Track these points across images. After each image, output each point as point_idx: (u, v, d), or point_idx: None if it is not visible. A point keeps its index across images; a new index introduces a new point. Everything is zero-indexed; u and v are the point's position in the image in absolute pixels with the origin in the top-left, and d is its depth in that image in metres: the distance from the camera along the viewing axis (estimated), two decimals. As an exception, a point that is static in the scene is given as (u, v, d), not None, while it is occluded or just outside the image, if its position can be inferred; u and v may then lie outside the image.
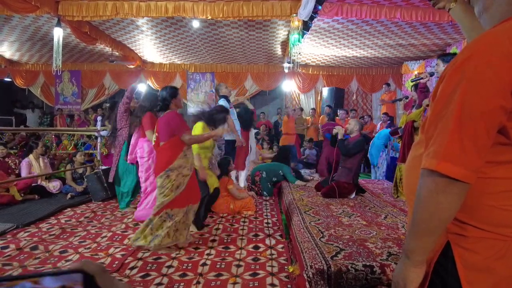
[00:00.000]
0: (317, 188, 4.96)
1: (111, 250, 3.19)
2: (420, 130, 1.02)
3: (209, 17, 6.17)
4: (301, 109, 10.01)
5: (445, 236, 0.89)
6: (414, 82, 4.57)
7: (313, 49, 8.79)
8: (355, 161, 4.47)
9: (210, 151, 3.94)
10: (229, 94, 5.08)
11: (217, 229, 3.87)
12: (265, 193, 5.47)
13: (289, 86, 11.58)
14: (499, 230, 0.86)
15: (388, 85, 9.92)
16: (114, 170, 4.57)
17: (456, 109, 0.82)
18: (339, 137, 4.57)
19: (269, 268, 2.82)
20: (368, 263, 2.42)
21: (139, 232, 3.13)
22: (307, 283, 2.34)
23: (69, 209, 4.69)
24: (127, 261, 2.95)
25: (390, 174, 6.26)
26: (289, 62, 8.56)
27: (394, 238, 3.00)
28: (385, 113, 8.62)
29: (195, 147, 3.59)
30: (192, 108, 9.68)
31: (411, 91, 4.77)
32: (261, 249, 3.24)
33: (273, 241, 3.46)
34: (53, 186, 5.51)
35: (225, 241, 3.49)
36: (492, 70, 0.80)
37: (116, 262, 2.91)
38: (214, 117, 4.04)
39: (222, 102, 4.91)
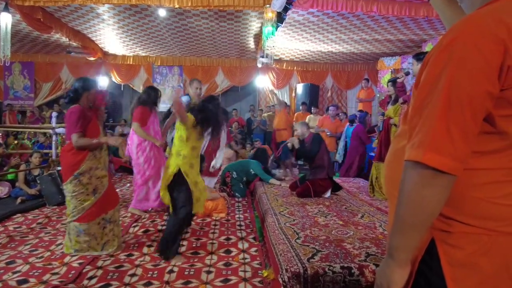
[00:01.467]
0: (292, 188, 4.94)
1: (66, 259, 3.06)
2: (402, 121, 1.02)
3: (177, 6, 6.05)
4: (286, 104, 9.84)
5: (429, 233, 0.89)
6: (390, 80, 4.80)
7: (288, 43, 8.82)
8: (322, 156, 4.48)
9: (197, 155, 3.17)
10: (198, 94, 4.83)
11: (186, 232, 3.80)
12: (237, 194, 5.40)
13: (262, 82, 11.52)
14: (484, 223, 0.86)
15: (368, 80, 10.08)
16: None
17: (443, 94, 0.81)
18: (296, 146, 4.58)
19: (241, 274, 2.79)
20: (346, 265, 2.44)
21: (66, 239, 3.08)
22: (282, 287, 2.32)
23: (19, 214, 4.48)
24: (85, 270, 2.85)
25: (367, 174, 6.25)
26: (262, 56, 8.47)
27: (372, 238, 3.03)
28: (360, 110, 8.78)
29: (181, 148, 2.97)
30: (165, 103, 9.27)
31: (387, 87, 4.88)
32: (233, 254, 3.21)
33: (246, 245, 3.44)
34: (0, 190, 5.27)
35: (194, 245, 3.42)
36: (480, 53, 0.79)
37: (73, 272, 2.80)
38: (211, 118, 3.04)
39: (184, 99, 4.80)
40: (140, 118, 4.16)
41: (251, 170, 5.46)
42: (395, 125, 4.44)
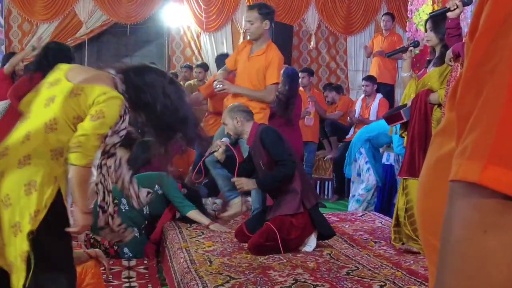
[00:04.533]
0: (240, 236, 3.74)
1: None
2: (448, 101, 0.79)
3: None
4: (205, 67, 6.97)
5: None
6: (433, 15, 3.91)
7: None
8: (292, 165, 3.54)
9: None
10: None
11: None
12: (126, 251, 4.00)
13: (177, 17, 7.96)
14: None
15: (391, 17, 7.26)
16: None
17: None
18: (219, 157, 3.76)
19: None
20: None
21: None
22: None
23: None
24: None
25: (384, 201, 5.44)
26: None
27: None
28: (370, 77, 6.48)
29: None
30: None
31: (426, 31, 3.89)
32: None
33: None
34: None
35: None
36: None
37: None
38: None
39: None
40: None
41: (158, 188, 4.17)
42: (439, 106, 3.57)
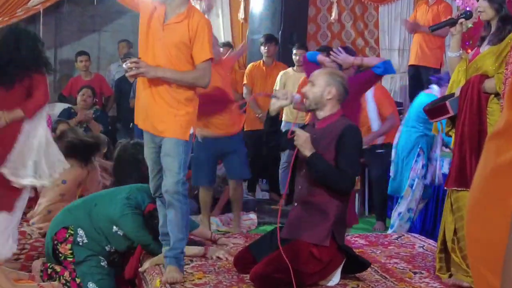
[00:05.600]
0: (240, 263, 3.37)
1: None
2: (507, 101, 0.77)
3: None
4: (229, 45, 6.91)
5: None
6: None
7: None
8: (351, 184, 3.17)
9: None
10: None
11: None
12: (92, 285, 3.62)
13: None
14: None
15: None
16: None
17: None
18: (273, 111, 3.39)
19: None
20: None
21: None
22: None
23: None
24: None
25: (427, 219, 5.21)
26: None
27: None
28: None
29: None
30: None
31: (478, 0, 3.58)
32: None
33: None
34: None
35: None
36: None
37: None
38: None
39: None
40: None
41: (115, 227, 3.64)
42: (497, 95, 3.27)
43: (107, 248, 3.75)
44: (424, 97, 5.03)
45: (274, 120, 3.54)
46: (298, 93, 3.65)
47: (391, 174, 5.31)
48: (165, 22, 3.01)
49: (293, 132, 3.10)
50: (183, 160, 3.14)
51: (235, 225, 5.00)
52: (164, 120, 3.13)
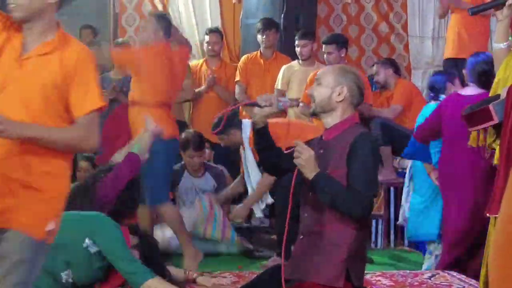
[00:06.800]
0: None
1: None
2: None
3: None
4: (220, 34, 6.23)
5: None
6: None
7: None
8: (368, 207, 2.97)
9: None
10: None
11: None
12: None
13: None
14: None
15: None
16: None
17: None
18: (259, 119, 3.13)
19: None
20: None
21: None
22: None
23: None
24: None
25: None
26: None
27: None
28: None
29: None
30: None
31: None
32: None
33: None
34: None
35: None
36: None
37: None
38: None
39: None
40: None
41: (87, 240, 3.21)
42: None
43: (63, 278, 3.15)
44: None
45: (261, 133, 3.06)
46: (305, 93, 3.13)
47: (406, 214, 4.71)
48: (23, 55, 2.09)
49: (290, 147, 2.84)
50: None
51: (186, 251, 4.11)
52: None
